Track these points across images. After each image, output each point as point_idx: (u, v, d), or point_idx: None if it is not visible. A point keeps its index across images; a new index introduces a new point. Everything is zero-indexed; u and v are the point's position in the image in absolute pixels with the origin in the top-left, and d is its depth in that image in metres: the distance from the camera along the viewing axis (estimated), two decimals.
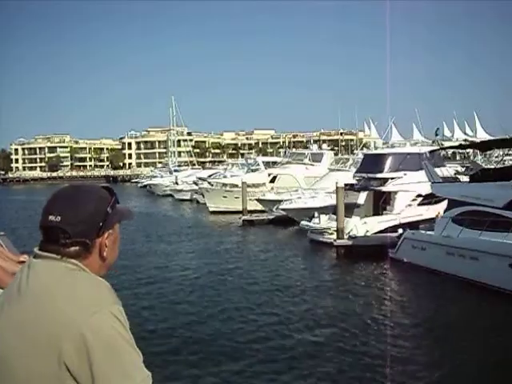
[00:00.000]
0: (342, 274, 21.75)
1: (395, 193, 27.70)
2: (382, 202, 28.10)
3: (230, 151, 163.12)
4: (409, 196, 27.86)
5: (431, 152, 29.26)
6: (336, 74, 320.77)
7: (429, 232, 20.33)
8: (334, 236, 26.96)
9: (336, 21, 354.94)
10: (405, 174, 28.07)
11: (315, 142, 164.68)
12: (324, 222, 27.94)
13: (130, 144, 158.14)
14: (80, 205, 1.69)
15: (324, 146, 55.73)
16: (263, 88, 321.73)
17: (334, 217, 28.32)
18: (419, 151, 29.29)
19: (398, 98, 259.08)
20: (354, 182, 29.95)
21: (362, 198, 29.46)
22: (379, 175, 27.95)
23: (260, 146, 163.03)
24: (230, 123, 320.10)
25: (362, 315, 15.41)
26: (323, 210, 32.12)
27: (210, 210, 44.80)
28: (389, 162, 28.33)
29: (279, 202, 38.71)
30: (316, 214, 29.04)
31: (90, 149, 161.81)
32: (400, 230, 26.04)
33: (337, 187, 25.10)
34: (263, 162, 53.73)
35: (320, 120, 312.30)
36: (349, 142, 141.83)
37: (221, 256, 25.33)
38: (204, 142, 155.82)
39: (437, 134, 21.74)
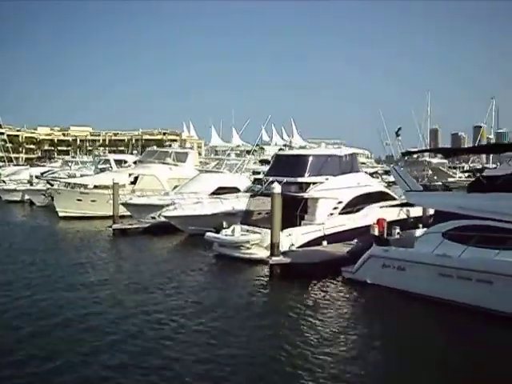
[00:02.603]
0: (288, 304, 16.55)
1: (316, 200, 24.04)
2: (299, 211, 24.23)
3: (46, 147, 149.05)
4: (331, 204, 24.44)
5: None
6: (155, 72, 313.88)
7: (410, 249, 16.87)
8: (254, 251, 22.57)
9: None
10: (326, 179, 24.64)
11: (137, 141, 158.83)
12: (238, 233, 23.27)
13: None
14: None
15: (188, 145, 50.83)
16: (79, 82, 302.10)
17: (246, 227, 23.94)
18: (340, 153, 26.05)
19: (216, 101, 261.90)
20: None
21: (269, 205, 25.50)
22: (300, 179, 24.06)
23: (78, 143, 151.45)
24: (45, 118, 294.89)
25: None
26: (214, 218, 27.67)
27: (60, 215, 37.27)
28: (310, 165, 24.60)
29: (149, 206, 33.39)
30: (225, 224, 24.27)
31: None
32: (324, 243, 22.67)
33: (273, 193, 20.59)
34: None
35: (140, 119, 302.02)
36: (172, 142, 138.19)
37: (94, 284, 18.55)
38: (17, 136, 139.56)
39: (398, 135, 18.97)
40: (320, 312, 15.48)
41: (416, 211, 27.64)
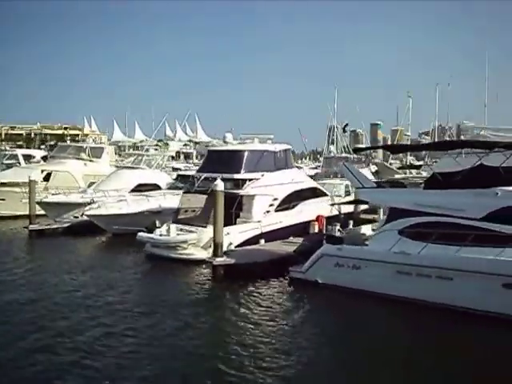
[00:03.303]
0: (236, 308, 15.34)
1: (252, 197, 23.13)
2: (234, 208, 23.22)
3: None
4: (267, 201, 23.65)
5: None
6: (53, 64, 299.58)
7: (365, 247, 16.33)
8: (192, 251, 21.31)
9: None
10: (262, 175, 23.80)
11: (39, 135, 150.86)
12: (174, 233, 21.90)
13: None
14: None
15: (103, 139, 48.07)
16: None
17: (180, 226, 22.58)
18: (274, 149, 25.25)
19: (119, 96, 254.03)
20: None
21: (202, 202, 24.41)
22: (237, 176, 23.00)
23: None
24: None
25: None
26: (140, 217, 26.23)
27: None
28: (246, 161, 23.62)
29: (68, 205, 31.10)
30: (158, 223, 22.77)
31: None
32: (262, 241, 21.89)
33: (214, 190, 19.40)
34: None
35: (38, 112, 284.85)
36: (74, 137, 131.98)
37: (14, 297, 16.24)
38: None
39: (345, 131, 18.43)
40: (270, 315, 14.53)
41: (347, 207, 27.56)
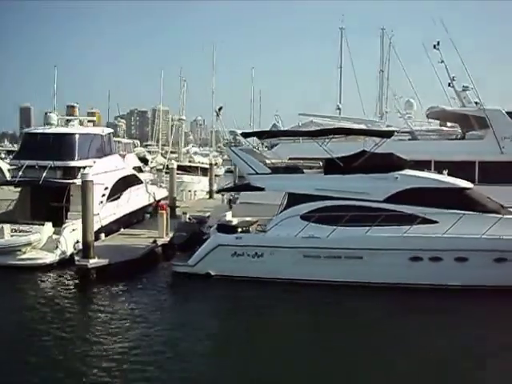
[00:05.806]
0: (118, 318, 13.07)
1: None
2: (64, 201, 20.18)
3: None
4: (99, 190, 21.08)
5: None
6: None
7: (268, 234, 15.85)
8: (34, 254, 17.76)
9: None
10: (94, 162, 21.18)
11: None
12: (8, 234, 17.97)
13: None
14: None
15: None
16: None
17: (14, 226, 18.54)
18: (102, 132, 22.54)
19: None
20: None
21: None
22: (72, 163, 19.91)
23: None
24: None
25: None
26: None
27: None
28: (78, 146, 20.59)
29: None
30: None
31: None
32: (102, 236, 19.73)
33: (85, 181, 16.41)
34: None
35: None
36: None
37: None
38: None
39: (218, 115, 17.01)
40: (156, 317, 13.26)
41: (161, 194, 26.74)
